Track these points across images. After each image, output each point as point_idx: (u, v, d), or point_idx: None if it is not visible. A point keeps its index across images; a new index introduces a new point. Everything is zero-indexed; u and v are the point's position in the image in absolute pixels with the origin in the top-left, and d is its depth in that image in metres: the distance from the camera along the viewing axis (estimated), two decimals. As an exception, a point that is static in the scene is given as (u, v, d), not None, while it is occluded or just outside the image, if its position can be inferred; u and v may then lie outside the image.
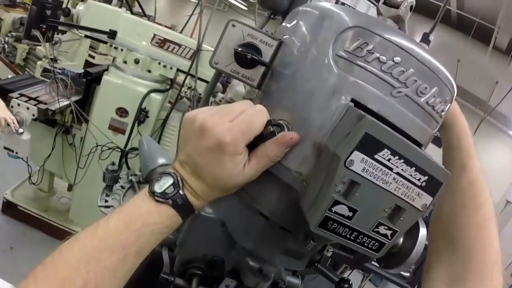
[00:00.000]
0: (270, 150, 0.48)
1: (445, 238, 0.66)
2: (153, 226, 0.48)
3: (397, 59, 0.47)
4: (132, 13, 2.57)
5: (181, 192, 0.50)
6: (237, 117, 0.48)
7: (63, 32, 2.67)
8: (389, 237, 0.48)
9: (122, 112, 2.29)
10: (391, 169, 0.43)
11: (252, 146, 0.50)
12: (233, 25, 0.57)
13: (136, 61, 2.24)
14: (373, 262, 1.38)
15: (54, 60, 2.38)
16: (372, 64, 0.47)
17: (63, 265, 0.44)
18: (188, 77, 2.32)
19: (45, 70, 2.43)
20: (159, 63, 2.30)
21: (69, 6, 2.57)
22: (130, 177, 1.33)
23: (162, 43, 2.25)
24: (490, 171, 5.86)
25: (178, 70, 2.33)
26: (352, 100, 0.46)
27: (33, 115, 2.06)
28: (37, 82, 2.44)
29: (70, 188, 2.81)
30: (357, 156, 0.41)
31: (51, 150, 2.41)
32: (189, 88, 2.46)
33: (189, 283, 0.69)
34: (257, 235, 0.60)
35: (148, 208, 0.49)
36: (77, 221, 2.57)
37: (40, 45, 2.26)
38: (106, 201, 1.24)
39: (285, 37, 0.56)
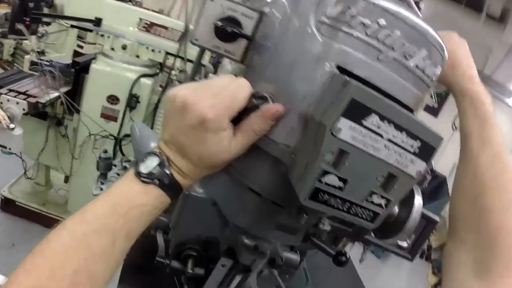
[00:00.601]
0: (255, 124, 0.47)
1: (468, 221, 0.63)
2: (141, 208, 0.47)
3: (382, 22, 0.45)
4: (116, -2, 2.52)
5: (167, 171, 0.49)
6: (219, 92, 0.46)
7: (48, 24, 2.62)
8: (383, 207, 0.47)
9: (113, 99, 2.27)
10: (381, 136, 0.42)
11: (237, 120, 0.48)
12: (212, 0, 0.55)
13: (124, 47, 2.21)
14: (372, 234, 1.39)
15: (42, 53, 2.36)
16: (357, 28, 0.45)
17: (52, 254, 0.43)
18: (178, 59, 2.29)
19: (33, 64, 2.39)
20: (147, 48, 2.27)
21: (52, -4, 2.51)
22: (124, 164, 1.33)
23: (149, 27, 2.22)
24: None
25: (167, 53, 2.30)
26: (338, 67, 0.45)
27: (24, 109, 2.03)
28: (26, 77, 2.40)
29: (66, 179, 2.81)
30: (344, 123, 0.39)
31: (44, 143, 2.40)
32: (180, 71, 2.43)
33: (185, 265, 0.69)
34: (249, 212, 0.58)
35: (135, 190, 0.47)
36: (76, 212, 2.57)
37: (26, 39, 2.22)
38: (101, 189, 1.24)
39: (266, 7, 0.54)
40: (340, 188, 0.43)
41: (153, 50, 2.28)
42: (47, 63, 2.30)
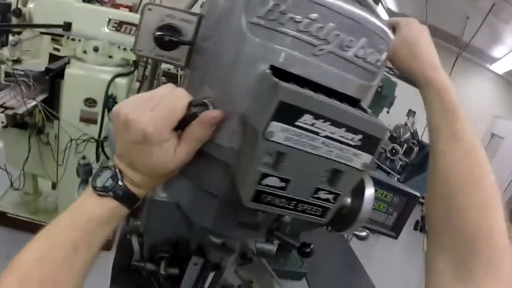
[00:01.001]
0: (196, 131, 0.48)
1: (444, 223, 0.59)
2: (98, 219, 0.50)
3: (313, 15, 0.44)
4: (84, 0, 2.48)
5: (120, 183, 0.51)
6: (158, 104, 0.47)
7: (19, 33, 2.59)
8: (332, 201, 0.48)
9: (90, 102, 2.27)
10: (317, 134, 0.42)
11: (181, 128, 0.49)
12: (150, 9, 0.54)
13: (96, 49, 2.19)
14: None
15: (19, 61, 2.34)
16: (287, 25, 0.44)
17: (21, 265, 0.47)
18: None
19: (7, 75, 2.37)
20: (118, 47, 2.25)
21: (19, 5, 2.47)
22: (103, 167, 1.33)
23: (119, 26, 2.20)
24: (473, 105, 5.99)
25: (139, 50, 2.28)
26: (272, 67, 0.45)
27: (2, 122, 2.04)
28: (1, 88, 2.38)
29: (54, 186, 2.81)
30: (275, 126, 0.40)
31: (28, 152, 2.39)
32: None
33: (159, 266, 0.70)
34: (210, 213, 0.59)
35: (91, 203, 0.51)
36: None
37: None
38: (81, 196, 1.24)
39: (206, 9, 0.54)
40: (282, 188, 0.44)
41: (125, 49, 2.26)
42: (21, 73, 2.28)
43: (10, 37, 2.26)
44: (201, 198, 0.59)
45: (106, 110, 2.27)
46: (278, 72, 0.44)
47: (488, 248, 0.54)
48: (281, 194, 0.44)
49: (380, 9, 6.38)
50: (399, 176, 4.37)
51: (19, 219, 2.70)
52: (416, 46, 0.71)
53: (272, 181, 0.43)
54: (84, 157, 1.45)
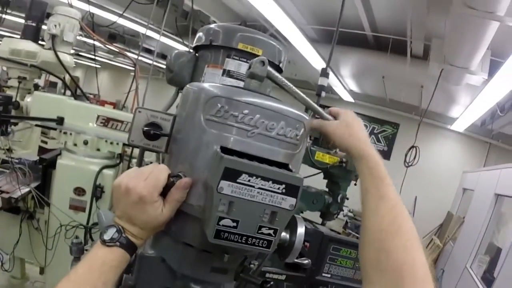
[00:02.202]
0: (175, 194, 0.69)
1: (374, 265, 0.71)
2: (110, 263, 0.67)
3: (246, 111, 0.68)
4: (75, 98, 2.76)
5: (123, 235, 0.70)
6: (148, 176, 0.69)
7: (15, 124, 2.81)
8: (273, 235, 0.68)
9: (79, 191, 2.41)
10: (253, 186, 0.63)
11: (164, 194, 0.70)
12: (139, 111, 0.79)
13: (85, 142, 2.40)
14: (324, 274, 1.56)
15: (9, 150, 2.50)
16: (229, 119, 0.68)
17: None
18: (135, 149, 2.45)
19: (3, 162, 2.53)
20: (106, 141, 2.45)
21: (17, 99, 2.72)
22: (94, 247, 1.47)
23: (106, 122, 2.42)
24: (442, 165, 6.24)
25: (124, 144, 2.50)
26: (222, 147, 0.67)
27: (-3, 204, 2.16)
28: (-3, 174, 2.54)
29: (42, 271, 2.82)
30: (224, 183, 0.61)
31: (18, 236, 2.47)
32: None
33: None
34: (188, 261, 0.78)
35: (103, 252, 0.68)
36: (54, 304, 2.57)
37: (-5, 139, 2.38)
38: (75, 272, 1.37)
39: (178, 111, 0.78)
40: (234, 227, 0.64)
41: (111, 143, 2.46)
42: (17, 161, 2.45)
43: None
44: (181, 250, 0.78)
45: (94, 198, 2.42)
46: (227, 150, 0.67)
47: (411, 278, 0.65)
48: (234, 231, 0.64)
49: (342, 91, 6.94)
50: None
51: (5, 303, 2.68)
52: (351, 127, 0.88)
53: (226, 222, 0.63)
54: (77, 237, 1.58)
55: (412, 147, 4.96)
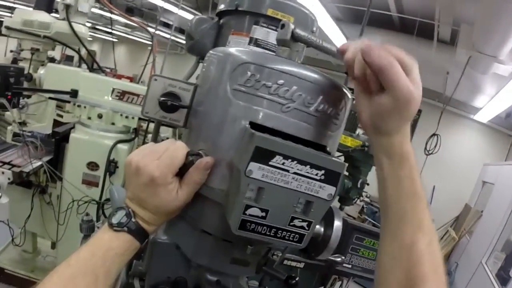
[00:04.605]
0: (193, 175, 0.59)
1: None
2: (115, 250, 0.59)
3: (280, 81, 0.58)
4: (90, 70, 2.68)
5: (133, 220, 0.61)
6: (162, 154, 0.59)
7: (29, 96, 2.77)
8: (306, 228, 0.58)
9: (92, 166, 2.36)
10: (287, 171, 0.53)
11: (181, 175, 0.60)
12: (155, 79, 0.68)
13: (100, 116, 2.34)
14: (345, 265, 1.48)
15: (24, 123, 2.47)
16: (261, 90, 0.58)
17: None
18: (151, 123, 2.41)
19: (15, 135, 2.51)
20: (121, 115, 2.39)
21: (30, 71, 2.67)
22: (105, 225, 1.41)
23: (122, 95, 2.36)
24: (463, 156, 6.08)
25: (139, 118, 2.44)
26: (251, 123, 0.57)
27: (9, 178, 2.14)
28: (9, 147, 2.51)
29: (53, 246, 2.83)
30: (253, 166, 0.51)
31: (30, 211, 2.46)
32: (153, 134, 2.56)
33: (160, 305, 0.78)
34: (206, 251, 0.69)
35: (109, 237, 0.60)
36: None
37: (8, 111, 2.35)
38: (84, 250, 1.31)
39: (199, 81, 0.67)
40: (263, 217, 0.54)
41: (127, 117, 2.40)
42: (29, 134, 2.41)
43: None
44: (197, 237, 0.69)
45: (107, 174, 2.37)
46: (256, 126, 0.57)
47: None
48: (262, 222, 0.55)
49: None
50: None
51: (16, 276, 2.71)
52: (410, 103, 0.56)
53: (254, 211, 0.54)
54: (87, 214, 1.53)
55: (434, 135, 4.81)
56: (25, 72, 2.52)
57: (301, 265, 1.42)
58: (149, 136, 2.58)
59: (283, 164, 0.53)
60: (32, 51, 2.63)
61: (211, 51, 0.69)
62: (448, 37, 4.85)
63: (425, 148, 4.86)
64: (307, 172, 0.54)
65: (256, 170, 0.52)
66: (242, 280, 0.81)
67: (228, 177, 0.58)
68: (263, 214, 0.54)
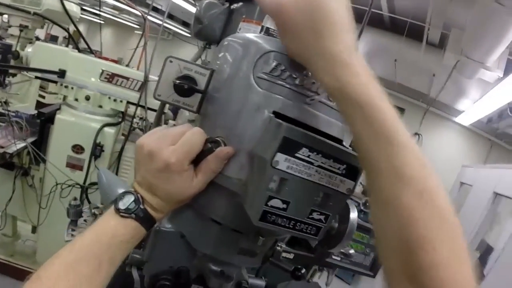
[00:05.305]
0: (211, 164, 0.57)
1: (407, 277, 0.45)
2: (121, 237, 0.56)
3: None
4: (79, 50, 2.60)
5: (141, 206, 0.58)
6: (179, 139, 0.57)
7: (14, 75, 2.66)
8: (324, 221, 0.57)
9: (78, 149, 2.30)
10: (312, 163, 0.52)
11: (197, 162, 0.58)
12: (171, 61, 0.65)
13: (87, 98, 2.27)
14: (333, 257, 1.49)
15: (6, 103, 2.38)
16: (287, 80, 0.56)
17: (47, 278, 0.51)
18: (139, 108, 2.37)
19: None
20: (109, 98, 2.33)
21: (17, 49, 2.58)
22: (93, 210, 1.37)
23: (111, 77, 2.30)
24: (442, 157, 6.22)
25: (128, 102, 2.38)
26: (274, 112, 0.55)
27: (-10, 159, 2.05)
28: (-9, 127, 2.41)
29: (34, 230, 2.75)
30: (280, 157, 0.50)
31: (11, 193, 2.38)
32: (141, 118, 2.52)
33: (160, 295, 0.76)
34: (213, 240, 0.67)
35: (115, 223, 0.57)
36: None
37: (-8, 89, 2.27)
38: (72, 235, 1.28)
39: (216, 65, 0.65)
40: (284, 209, 0.53)
41: (115, 100, 2.34)
42: (14, 114, 2.33)
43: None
44: (204, 226, 0.67)
45: (93, 157, 2.32)
46: (277, 116, 0.55)
47: None
48: (283, 214, 0.53)
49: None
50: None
51: (-5, 260, 2.63)
52: (319, 11, 0.48)
53: (276, 202, 0.52)
54: (75, 198, 1.49)
55: (415, 134, 4.89)
56: (13, 49, 2.43)
57: (291, 256, 1.43)
58: (135, 121, 2.54)
59: (308, 156, 0.52)
60: (21, 28, 2.54)
61: (229, 38, 0.66)
62: (437, 40, 4.91)
63: (416, 133, 4.95)
64: (330, 166, 0.54)
65: (283, 161, 0.50)
66: (244, 270, 0.80)
67: (247, 166, 0.57)
68: (284, 206, 0.53)
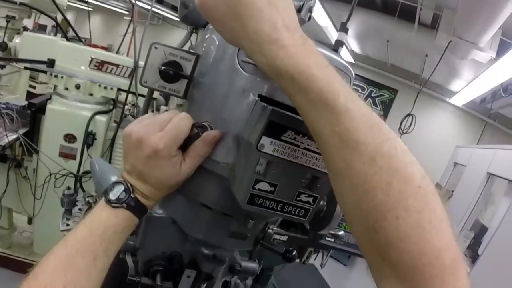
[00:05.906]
0: (199, 148, 0.57)
1: (378, 253, 0.43)
2: (114, 228, 0.56)
3: None
4: (67, 39, 2.57)
5: (132, 195, 0.58)
6: (166, 125, 0.57)
7: (3, 67, 2.63)
8: (312, 203, 0.58)
9: (70, 138, 2.29)
10: (298, 146, 0.52)
11: (185, 147, 0.58)
12: (156, 47, 0.65)
13: (77, 86, 2.25)
14: (327, 238, 1.51)
15: (-4, 95, 2.35)
16: (271, 63, 0.56)
17: (43, 274, 0.51)
18: (130, 94, 2.36)
19: (-11, 107, 2.40)
20: (99, 85, 2.32)
21: (5, 40, 2.54)
22: (87, 199, 1.37)
23: (100, 65, 2.28)
24: (436, 137, 6.24)
25: (118, 89, 2.37)
26: (259, 96, 0.55)
27: (-17, 152, 2.05)
28: (-19, 120, 2.39)
29: (30, 221, 2.76)
30: (266, 140, 0.50)
31: (5, 186, 2.38)
32: (132, 105, 2.50)
33: (154, 279, 0.76)
34: (204, 224, 0.68)
35: (107, 214, 0.57)
36: (43, 253, 2.50)
37: (-19, 83, 2.24)
38: (67, 224, 1.28)
39: (203, 49, 0.64)
40: (271, 192, 0.54)
41: (105, 88, 2.33)
42: (4, 106, 2.32)
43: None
44: (195, 211, 0.67)
45: (85, 146, 2.31)
46: (264, 100, 0.55)
47: (437, 266, 0.41)
48: (271, 197, 0.54)
49: (344, 51, 6.77)
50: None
51: (-8, 253, 2.64)
52: None
53: (263, 185, 0.53)
54: (69, 187, 1.48)
55: (409, 115, 4.89)
56: (0, 41, 2.39)
57: (284, 238, 1.44)
58: (127, 107, 2.52)
59: (294, 139, 0.52)
60: (8, 19, 2.49)
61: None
62: (429, 21, 4.87)
63: (400, 127, 4.95)
64: (316, 148, 0.54)
65: (268, 144, 0.50)
66: (236, 254, 0.81)
67: (234, 150, 0.57)
68: (272, 188, 0.54)
